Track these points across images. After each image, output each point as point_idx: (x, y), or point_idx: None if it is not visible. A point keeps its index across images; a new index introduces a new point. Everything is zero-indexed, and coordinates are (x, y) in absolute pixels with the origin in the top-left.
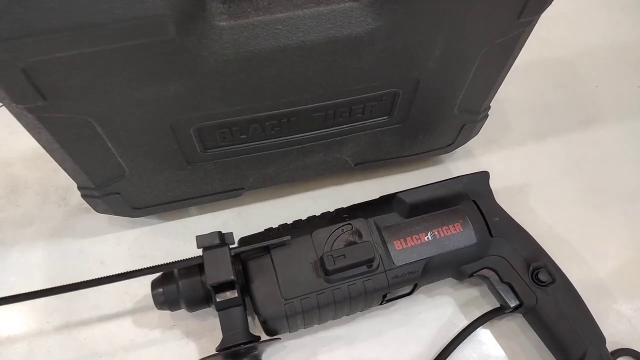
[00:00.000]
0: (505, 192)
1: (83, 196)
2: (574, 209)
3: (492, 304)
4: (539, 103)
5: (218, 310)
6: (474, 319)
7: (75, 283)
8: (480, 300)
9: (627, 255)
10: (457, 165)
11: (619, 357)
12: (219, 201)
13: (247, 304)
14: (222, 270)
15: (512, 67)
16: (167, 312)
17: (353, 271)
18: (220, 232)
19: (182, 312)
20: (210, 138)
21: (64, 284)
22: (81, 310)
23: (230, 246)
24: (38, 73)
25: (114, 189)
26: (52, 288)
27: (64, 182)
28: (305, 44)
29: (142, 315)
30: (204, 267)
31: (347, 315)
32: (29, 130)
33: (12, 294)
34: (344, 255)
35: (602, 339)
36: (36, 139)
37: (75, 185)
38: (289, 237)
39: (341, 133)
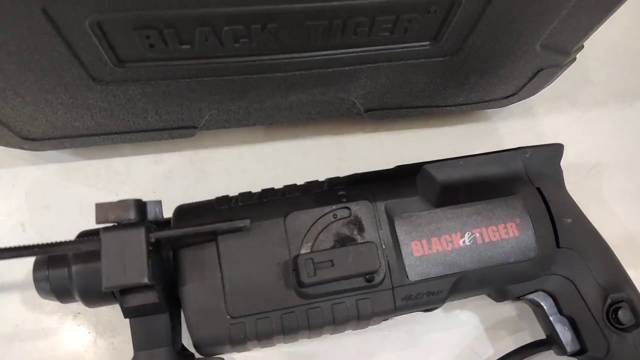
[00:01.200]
0: (571, 172)
1: None
2: None
3: (533, 331)
4: (636, 50)
5: (127, 317)
6: (507, 352)
7: None
8: (517, 323)
9: None
10: (508, 125)
11: None
12: (162, 140)
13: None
14: (130, 266)
15: None
16: None
17: (343, 284)
18: (138, 201)
19: None
20: (127, 44)
21: None
22: None
23: (155, 223)
24: None
25: None
26: None
27: None
28: None
29: (36, 293)
30: (102, 258)
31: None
32: None
33: None
34: (331, 261)
35: None
36: None
37: None
38: (247, 222)
39: (353, 61)
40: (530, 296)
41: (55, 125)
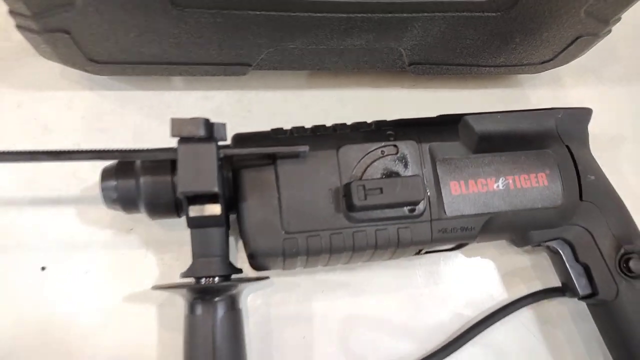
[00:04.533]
0: (591, 141)
1: (18, 27)
2: None
3: (544, 279)
4: None
5: (190, 227)
6: (520, 295)
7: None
8: (530, 272)
9: None
10: (539, 93)
11: None
12: (214, 76)
13: (231, 222)
14: (203, 176)
15: None
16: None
17: (388, 212)
18: (207, 120)
19: (143, 215)
20: None
21: None
22: (9, 183)
23: (220, 143)
24: None
25: (60, 23)
26: None
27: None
28: None
29: (91, 208)
30: (178, 166)
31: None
32: None
33: None
34: (381, 189)
35: None
36: None
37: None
38: (306, 148)
39: (411, 8)
40: (550, 243)
41: (122, 49)
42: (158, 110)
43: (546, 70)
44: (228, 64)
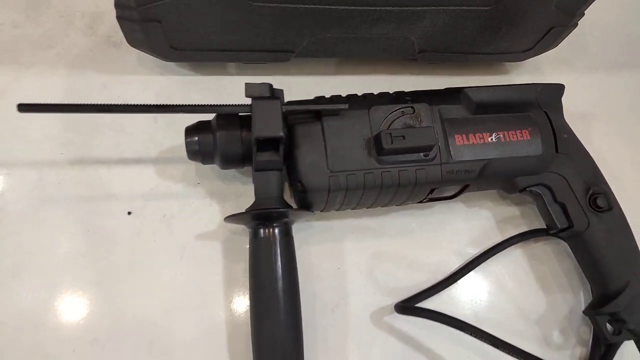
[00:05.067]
0: (567, 117)
1: (119, 18)
2: (634, 148)
3: (531, 226)
4: (623, 33)
5: (256, 170)
6: (510, 236)
7: (102, 105)
8: (519, 219)
9: None
10: (523, 79)
11: None
12: (262, 64)
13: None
14: (271, 124)
15: None
16: (192, 169)
17: (408, 156)
18: (271, 85)
19: (208, 170)
20: None
21: (86, 103)
22: (100, 148)
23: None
24: None
25: (156, 13)
26: (75, 105)
27: (92, 9)
28: None
29: (166, 166)
30: (252, 117)
31: (385, 206)
32: None
33: (25, 125)
34: (403, 136)
35: None
36: None
37: (104, 13)
38: (346, 106)
39: (423, 2)
40: (534, 188)
41: (198, 38)
42: (216, 91)
43: (528, 58)
44: (277, 50)
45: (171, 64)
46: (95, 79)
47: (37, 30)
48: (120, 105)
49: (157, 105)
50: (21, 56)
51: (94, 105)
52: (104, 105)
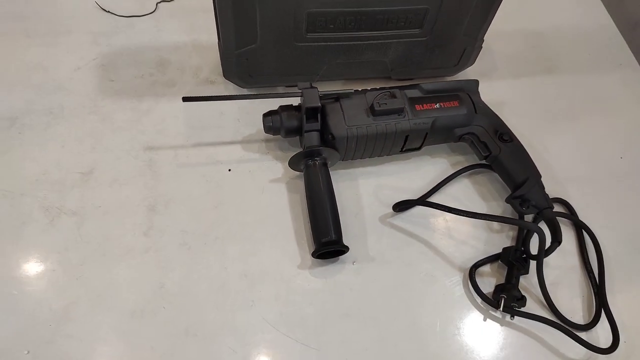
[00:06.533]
0: (489, 103)
1: (224, 56)
2: (530, 121)
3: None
4: (519, 56)
5: (305, 132)
6: (460, 169)
7: (226, 95)
8: (464, 162)
9: (555, 148)
10: None
11: (553, 202)
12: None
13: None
14: (313, 100)
15: (503, 31)
16: (262, 145)
17: (389, 117)
18: (311, 83)
19: (273, 143)
20: (312, 23)
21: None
22: (208, 136)
23: None
24: None
25: (245, 54)
26: (216, 96)
27: (195, 63)
28: None
29: (248, 145)
30: (303, 98)
31: (380, 156)
32: None
33: (164, 127)
34: (385, 103)
35: (539, 174)
36: (218, 3)
37: (203, 66)
38: (352, 90)
39: (388, 37)
40: (466, 136)
41: (266, 67)
42: (271, 104)
43: (459, 71)
44: (309, 73)
45: (244, 90)
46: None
47: (164, 77)
48: (232, 95)
49: (249, 94)
50: (157, 91)
51: (224, 95)
52: (228, 95)
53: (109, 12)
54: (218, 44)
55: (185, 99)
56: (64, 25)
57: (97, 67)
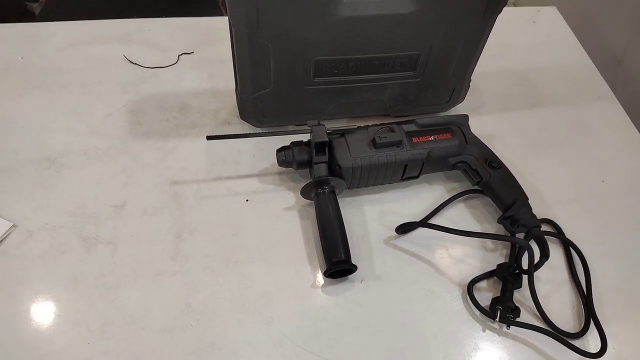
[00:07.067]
0: (479, 135)
1: (241, 100)
2: (518, 151)
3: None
4: (504, 93)
5: (315, 164)
6: (455, 194)
7: (250, 133)
8: (459, 188)
9: (542, 174)
10: None
11: (542, 222)
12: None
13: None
14: (321, 136)
15: (489, 71)
16: (276, 177)
17: (389, 148)
18: (318, 121)
19: (286, 175)
20: (319, 69)
21: (229, 133)
22: (226, 171)
23: None
24: (261, 12)
25: (260, 97)
26: (237, 134)
27: (214, 107)
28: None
29: (263, 177)
30: (312, 134)
31: (383, 184)
32: (237, 46)
33: (188, 163)
34: (386, 137)
35: (526, 196)
36: (237, 54)
37: (221, 109)
38: (356, 126)
39: (385, 79)
40: (459, 164)
41: (276, 108)
42: (283, 140)
43: (450, 108)
44: (316, 113)
45: (258, 129)
46: (201, 142)
47: (186, 120)
48: (249, 133)
49: (264, 132)
50: (180, 132)
51: (243, 134)
52: (246, 134)
53: (136, 64)
54: (235, 89)
55: (209, 138)
56: (96, 76)
57: (127, 113)
